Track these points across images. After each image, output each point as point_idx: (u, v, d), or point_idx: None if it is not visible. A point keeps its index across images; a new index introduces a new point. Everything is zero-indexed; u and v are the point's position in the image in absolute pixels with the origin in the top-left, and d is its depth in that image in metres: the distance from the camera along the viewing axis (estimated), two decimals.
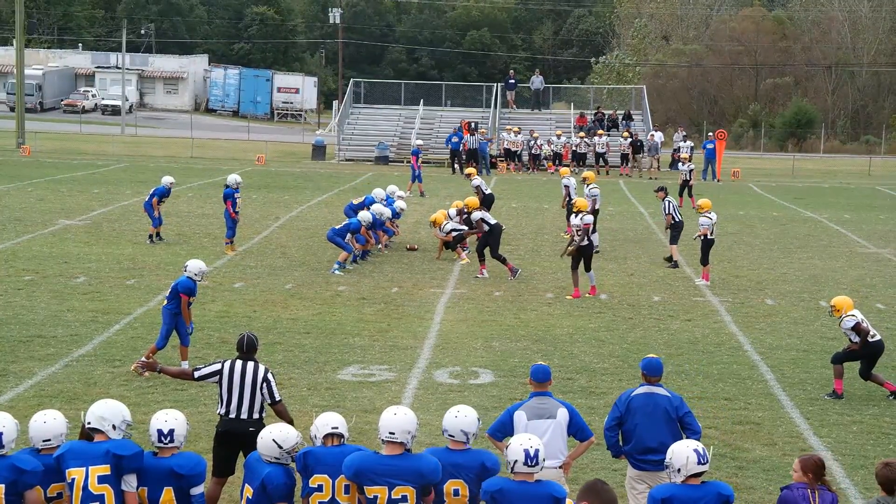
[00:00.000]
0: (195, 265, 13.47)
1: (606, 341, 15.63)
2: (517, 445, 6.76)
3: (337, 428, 7.19)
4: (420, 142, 39.46)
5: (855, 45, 77.95)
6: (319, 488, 7.05)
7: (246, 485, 7.27)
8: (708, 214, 20.22)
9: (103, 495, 6.82)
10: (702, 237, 20.18)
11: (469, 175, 26.35)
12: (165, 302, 13.46)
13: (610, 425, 8.61)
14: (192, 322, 13.55)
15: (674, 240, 22.01)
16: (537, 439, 6.87)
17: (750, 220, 30.31)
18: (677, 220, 21.77)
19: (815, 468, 6.98)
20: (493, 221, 20.42)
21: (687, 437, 8.22)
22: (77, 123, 63.83)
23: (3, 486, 6.64)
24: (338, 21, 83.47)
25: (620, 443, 8.61)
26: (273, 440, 7.19)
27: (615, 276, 20.93)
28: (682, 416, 8.47)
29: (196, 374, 8.81)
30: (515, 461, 6.72)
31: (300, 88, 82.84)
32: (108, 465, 6.82)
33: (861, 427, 12.00)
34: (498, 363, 14.20)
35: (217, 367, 8.73)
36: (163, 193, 23.42)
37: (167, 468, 6.98)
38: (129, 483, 6.90)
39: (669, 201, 21.83)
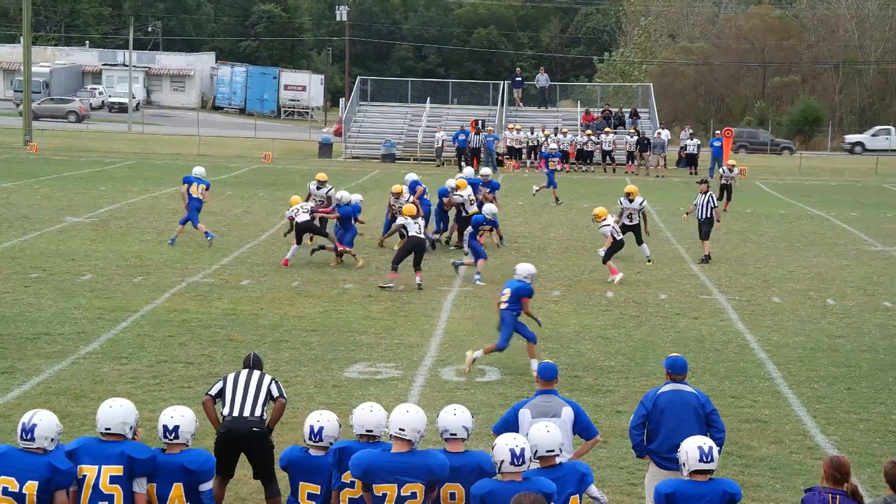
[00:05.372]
0: (524, 268, 13.88)
1: (613, 339, 15.61)
2: (503, 445, 6.69)
3: (371, 431, 7.23)
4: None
5: (862, 42, 77.79)
6: (352, 485, 7.08)
7: (302, 483, 7.30)
8: (605, 222, 20.29)
9: (113, 495, 6.82)
10: (610, 242, 20.27)
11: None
12: (505, 305, 13.60)
13: (636, 423, 8.49)
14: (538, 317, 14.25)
15: (705, 235, 22.42)
16: (523, 438, 6.80)
17: (757, 218, 30.26)
18: (707, 215, 22.36)
19: (830, 472, 6.80)
20: (412, 232, 19.15)
21: (711, 435, 8.20)
22: (84, 121, 63.92)
23: (36, 482, 6.61)
24: (345, 19, 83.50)
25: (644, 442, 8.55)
26: (337, 419, 7.45)
27: (621, 273, 20.88)
28: (708, 414, 8.40)
29: (209, 393, 8.81)
30: (502, 461, 6.66)
31: (307, 86, 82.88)
32: (122, 467, 6.82)
33: (868, 425, 11.98)
34: (504, 361, 14.19)
35: (223, 379, 8.79)
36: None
37: (177, 464, 6.98)
38: (141, 485, 6.91)
39: (712, 196, 22.57)
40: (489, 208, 20.63)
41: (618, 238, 20.22)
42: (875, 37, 77.21)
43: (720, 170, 33.39)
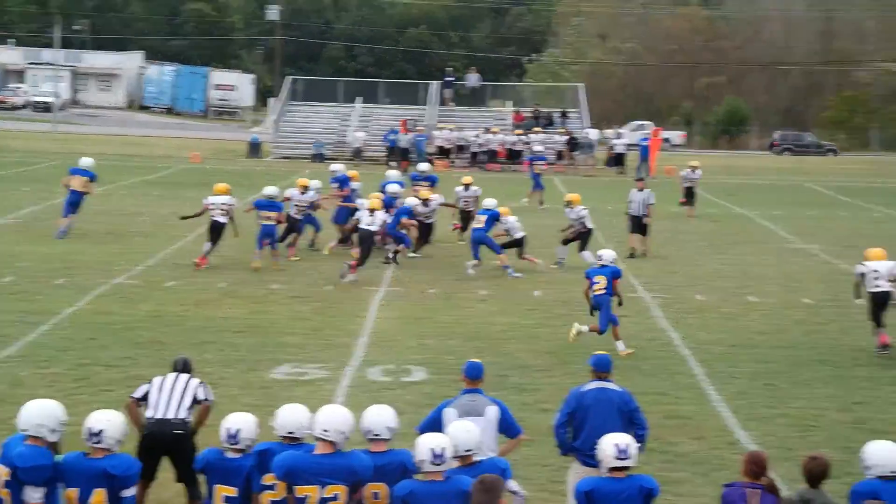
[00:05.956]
0: (610, 254, 14.87)
1: (540, 338, 15.71)
2: (423, 445, 6.74)
3: (293, 433, 7.21)
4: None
5: (788, 44, 79.29)
6: (272, 487, 7.06)
7: (219, 485, 7.26)
8: (506, 219, 20.87)
9: (2, 500, 6.75)
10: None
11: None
12: (602, 291, 14.41)
13: (561, 422, 8.54)
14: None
15: (642, 231, 23.10)
16: (444, 437, 6.86)
17: (682, 217, 30.64)
18: (644, 212, 22.99)
19: (748, 466, 6.93)
20: (363, 224, 19.55)
21: (634, 432, 8.26)
22: (7, 120, 62.73)
23: None
24: (276, 18, 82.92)
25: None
26: (255, 421, 7.46)
27: (549, 272, 21.04)
28: (631, 411, 8.50)
29: (133, 396, 8.69)
30: (423, 461, 6.71)
31: (237, 85, 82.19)
32: (9, 471, 6.74)
33: (787, 420, 12.21)
34: (432, 361, 14.22)
35: (150, 382, 8.69)
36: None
37: (100, 469, 6.87)
38: (31, 495, 6.77)
39: (651, 194, 23.22)
40: (491, 202, 21.20)
41: (516, 237, 20.83)
42: (800, 38, 78.73)
43: (682, 172, 32.79)
